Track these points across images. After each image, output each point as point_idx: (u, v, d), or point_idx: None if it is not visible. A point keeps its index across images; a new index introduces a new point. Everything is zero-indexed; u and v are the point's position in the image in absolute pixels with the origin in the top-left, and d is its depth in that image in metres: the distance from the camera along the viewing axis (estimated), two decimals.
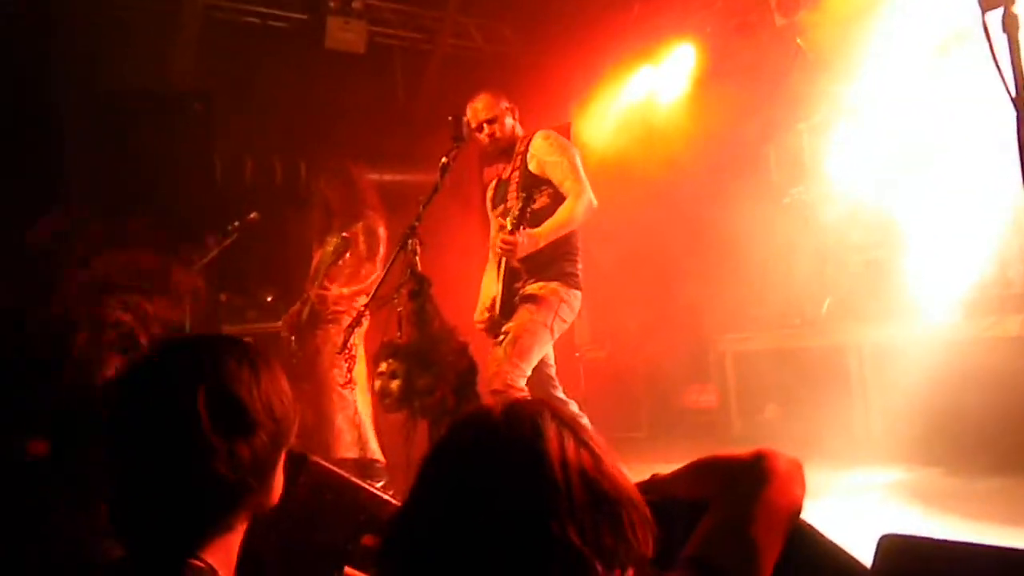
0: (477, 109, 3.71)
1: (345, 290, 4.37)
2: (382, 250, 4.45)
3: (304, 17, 7.11)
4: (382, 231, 4.48)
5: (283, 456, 1.19)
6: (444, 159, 3.41)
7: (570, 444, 0.83)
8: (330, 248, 4.40)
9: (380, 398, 3.03)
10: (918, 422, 4.17)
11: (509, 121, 3.72)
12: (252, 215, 4.53)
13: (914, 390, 4.26)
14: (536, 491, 0.79)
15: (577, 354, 5.74)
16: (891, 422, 4.44)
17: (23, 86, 5.08)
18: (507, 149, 3.74)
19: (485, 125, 3.67)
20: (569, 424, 0.86)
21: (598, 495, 0.81)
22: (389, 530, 1.10)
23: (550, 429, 0.83)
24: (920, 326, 4.42)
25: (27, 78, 5.11)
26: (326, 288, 4.38)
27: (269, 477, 1.16)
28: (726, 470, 1.10)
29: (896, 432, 4.41)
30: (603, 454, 0.85)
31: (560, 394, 3.62)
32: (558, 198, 3.53)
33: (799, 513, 1.07)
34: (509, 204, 3.54)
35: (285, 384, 1.19)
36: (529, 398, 3.30)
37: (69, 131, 5.36)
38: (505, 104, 3.74)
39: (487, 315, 3.59)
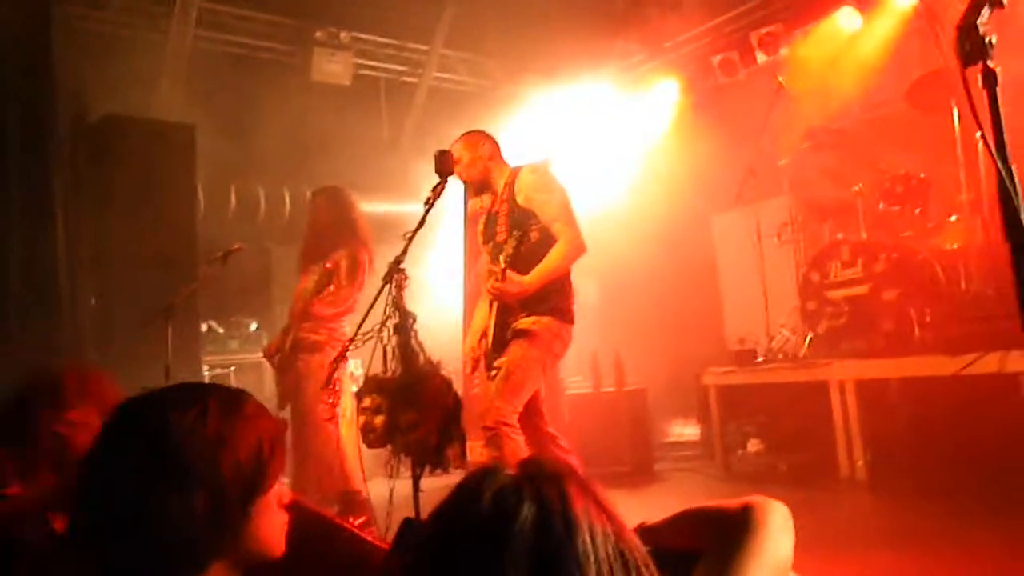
0: (453, 152, 3.75)
1: (328, 310, 4.34)
2: (362, 277, 4.41)
3: (291, 49, 7.15)
4: (365, 258, 4.45)
5: (262, 505, 1.15)
6: (429, 194, 3.42)
7: (593, 509, 0.81)
8: (314, 278, 4.39)
9: (364, 433, 3.00)
10: (903, 458, 4.19)
11: (479, 160, 3.74)
12: (236, 246, 4.50)
13: (897, 426, 4.29)
14: (568, 558, 0.77)
15: (562, 387, 5.73)
16: (875, 458, 4.46)
17: (18, 109, 5.12)
18: (482, 187, 3.76)
19: (456, 164, 3.71)
20: (588, 486, 0.85)
21: (622, 560, 0.80)
22: None
23: (576, 494, 0.82)
24: (902, 363, 4.46)
25: (22, 102, 5.15)
26: (311, 306, 4.36)
27: (230, 529, 1.11)
28: (715, 521, 1.10)
29: (880, 468, 4.43)
30: (619, 516, 0.84)
31: (550, 429, 3.61)
32: (548, 232, 3.54)
33: (790, 563, 1.07)
34: (500, 240, 3.55)
35: (258, 430, 1.15)
36: (520, 432, 3.29)
37: (59, 156, 5.38)
38: (482, 146, 3.76)
39: (478, 344, 3.58)
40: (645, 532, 1.18)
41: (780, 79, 5.65)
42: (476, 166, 3.72)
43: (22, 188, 5.08)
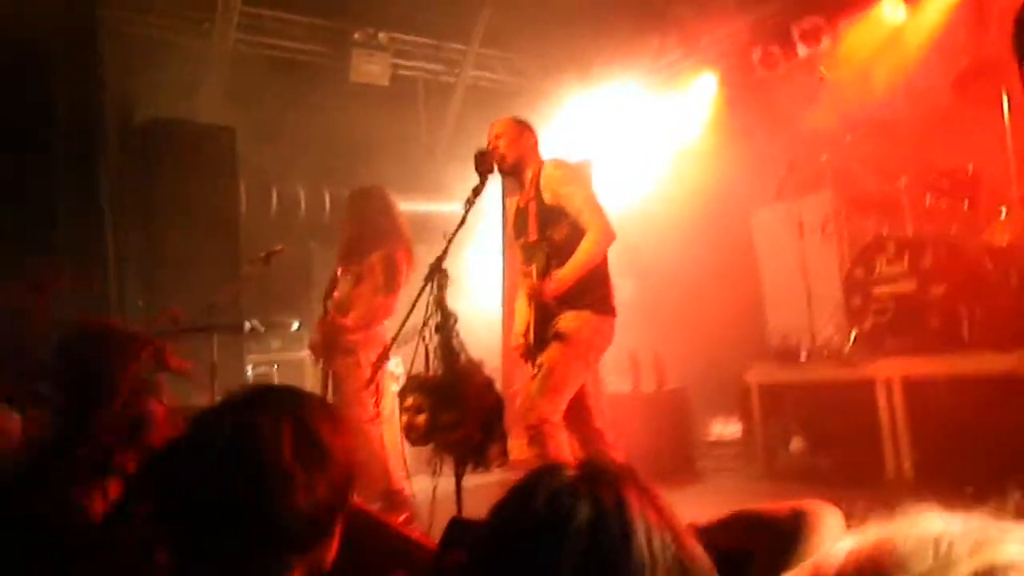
0: (494, 125, 3.75)
1: (357, 325, 4.31)
2: (399, 280, 4.39)
3: (330, 51, 7.23)
4: (402, 259, 4.43)
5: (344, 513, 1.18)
6: (470, 193, 3.43)
7: (652, 514, 0.81)
8: (350, 279, 4.42)
9: (406, 432, 3.03)
10: (952, 459, 4.10)
11: (520, 143, 3.72)
12: (278, 247, 4.55)
13: (946, 426, 4.20)
14: (623, 563, 0.77)
15: (601, 385, 5.70)
16: (923, 458, 4.37)
17: (67, 112, 5.26)
18: (513, 170, 3.74)
19: (494, 139, 3.70)
20: (648, 490, 0.84)
21: (681, 567, 0.79)
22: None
23: (633, 498, 0.81)
24: (953, 360, 4.36)
25: (71, 105, 5.29)
26: (337, 318, 4.37)
27: (333, 525, 1.15)
28: (767, 525, 1.09)
29: (928, 469, 4.34)
30: (680, 522, 0.83)
31: (599, 424, 3.60)
32: (577, 226, 3.53)
33: None
34: (531, 240, 3.55)
35: (353, 440, 1.21)
36: (564, 430, 3.29)
37: (107, 158, 5.52)
38: (526, 133, 3.76)
39: (522, 340, 3.58)
40: (695, 532, 1.17)
41: (822, 71, 5.56)
42: (515, 148, 3.70)
43: (71, 190, 5.22)
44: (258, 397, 1.16)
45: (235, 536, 1.07)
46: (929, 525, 0.58)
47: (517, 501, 0.84)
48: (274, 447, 1.07)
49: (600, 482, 0.82)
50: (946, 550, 0.55)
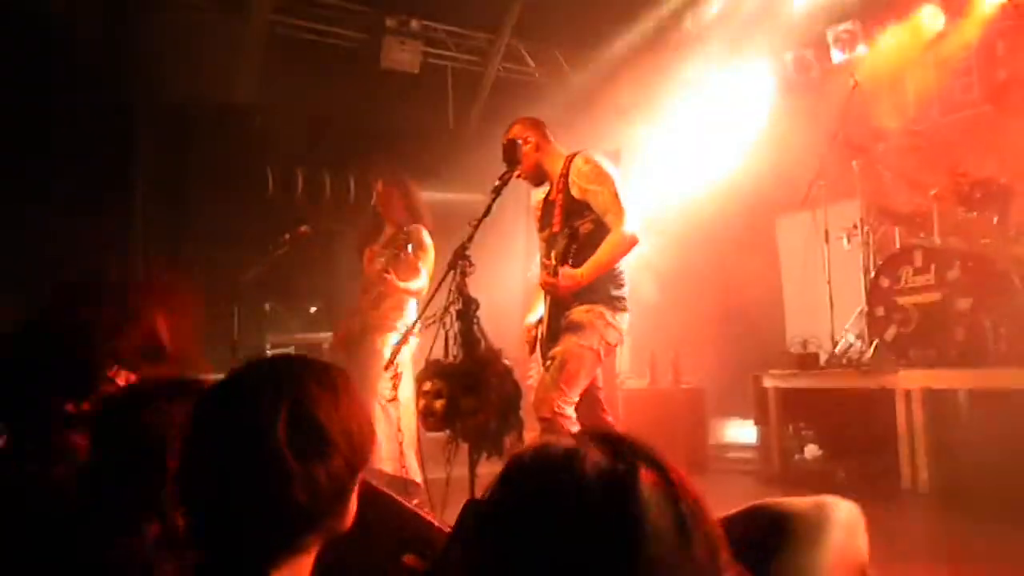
0: (510, 128, 3.75)
1: (395, 280, 4.32)
2: (430, 259, 4.43)
3: (362, 36, 7.24)
4: (429, 241, 4.48)
5: (358, 480, 1.18)
6: (497, 182, 3.43)
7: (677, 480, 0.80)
8: (382, 260, 4.46)
9: (423, 417, 3.03)
10: (969, 473, 4.06)
11: (531, 153, 3.70)
12: (303, 228, 4.59)
13: (965, 439, 4.16)
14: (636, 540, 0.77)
15: (617, 381, 5.70)
16: (940, 471, 4.33)
17: (101, 90, 5.30)
18: (533, 175, 3.73)
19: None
20: (661, 462, 0.83)
21: (690, 538, 0.79)
22: (443, 558, 1.09)
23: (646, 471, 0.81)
24: (976, 374, 4.32)
25: (104, 84, 5.33)
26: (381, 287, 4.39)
27: (344, 501, 1.15)
28: (786, 519, 1.08)
29: (945, 481, 4.30)
30: (697, 493, 0.83)
31: (610, 418, 3.60)
32: (602, 222, 3.51)
33: (865, 565, 1.05)
34: (555, 231, 3.54)
35: (363, 407, 1.18)
36: (576, 423, 3.29)
37: (139, 133, 5.57)
38: (531, 137, 3.72)
39: (533, 334, 3.58)
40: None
41: (855, 78, 5.50)
42: (532, 156, 3.69)
43: (103, 167, 5.28)
44: (256, 382, 1.13)
45: (237, 526, 1.07)
46: None
47: (522, 470, 0.83)
48: (269, 441, 1.05)
49: (625, 451, 0.82)
50: None
